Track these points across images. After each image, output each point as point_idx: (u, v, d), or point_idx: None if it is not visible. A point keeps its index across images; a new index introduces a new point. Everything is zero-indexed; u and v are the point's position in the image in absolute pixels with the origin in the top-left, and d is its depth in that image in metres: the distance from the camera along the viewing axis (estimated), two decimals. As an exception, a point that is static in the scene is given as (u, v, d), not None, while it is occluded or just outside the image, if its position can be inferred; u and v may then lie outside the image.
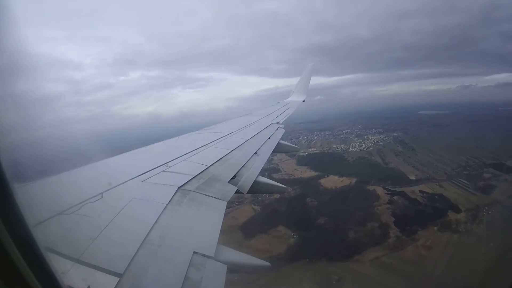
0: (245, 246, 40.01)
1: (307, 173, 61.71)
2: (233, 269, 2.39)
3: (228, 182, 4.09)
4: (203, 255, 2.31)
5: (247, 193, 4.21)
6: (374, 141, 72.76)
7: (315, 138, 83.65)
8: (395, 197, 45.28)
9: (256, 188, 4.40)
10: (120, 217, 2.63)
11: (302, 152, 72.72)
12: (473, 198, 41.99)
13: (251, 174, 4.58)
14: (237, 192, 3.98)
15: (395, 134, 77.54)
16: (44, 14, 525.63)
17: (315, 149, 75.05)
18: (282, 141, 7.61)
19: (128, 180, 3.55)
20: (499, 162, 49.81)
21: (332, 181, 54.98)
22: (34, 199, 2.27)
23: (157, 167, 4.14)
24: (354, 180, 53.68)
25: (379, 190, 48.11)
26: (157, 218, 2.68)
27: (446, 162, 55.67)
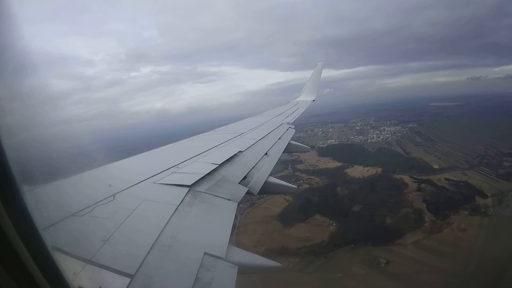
0: (286, 235, 43.11)
1: (330, 163, 65.19)
2: (244, 270, 2.41)
3: (239, 183, 4.14)
4: (214, 256, 2.36)
5: (258, 194, 4.24)
6: (391, 132, 76.36)
7: (331, 130, 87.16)
8: (423, 185, 49.04)
9: (266, 188, 4.47)
10: (131, 218, 2.70)
11: (321, 144, 76.22)
12: (497, 184, 45.79)
13: (261, 175, 4.63)
14: (247, 193, 4.04)
15: (410, 125, 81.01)
16: (57, 9, 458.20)
17: (333, 140, 78.56)
18: (292, 141, 7.69)
19: (140, 182, 3.65)
20: None
21: (357, 171, 58.59)
22: (47, 201, 2.31)
23: (168, 168, 4.23)
24: (379, 169, 57.23)
25: (406, 178, 51.82)
26: (168, 219, 2.76)
27: (465, 152, 59.62)
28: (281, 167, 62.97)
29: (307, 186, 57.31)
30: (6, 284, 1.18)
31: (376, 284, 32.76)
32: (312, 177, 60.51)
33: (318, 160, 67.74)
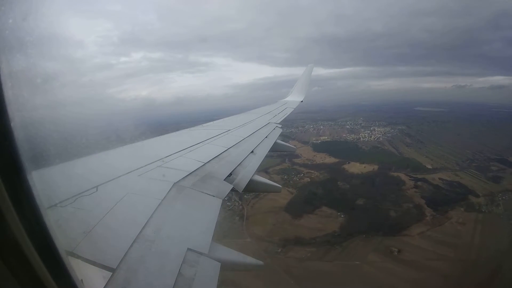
0: (297, 226, 45.23)
1: (327, 159, 68.21)
2: (226, 267, 2.41)
3: (224, 179, 4.13)
4: (197, 252, 2.34)
5: (243, 191, 4.25)
6: (381, 133, 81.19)
7: (322, 127, 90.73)
8: (419, 183, 53.39)
9: (251, 186, 4.49)
10: (114, 211, 2.66)
11: (315, 140, 79.40)
12: (486, 186, 50.82)
13: (247, 173, 4.65)
14: (232, 190, 4.03)
15: (399, 127, 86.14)
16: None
17: (326, 137, 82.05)
18: (279, 141, 7.72)
19: (124, 174, 3.59)
20: (502, 157, 59.29)
21: (355, 167, 62.05)
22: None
23: (153, 162, 4.18)
24: (376, 167, 61.06)
25: (403, 176, 56.19)
26: (152, 214, 2.71)
27: (455, 155, 65.07)
28: (278, 160, 65.03)
29: (309, 179, 59.75)
30: (6, 281, 1.15)
31: (393, 270, 35.88)
32: (311, 171, 62.94)
33: (314, 155, 70.41)
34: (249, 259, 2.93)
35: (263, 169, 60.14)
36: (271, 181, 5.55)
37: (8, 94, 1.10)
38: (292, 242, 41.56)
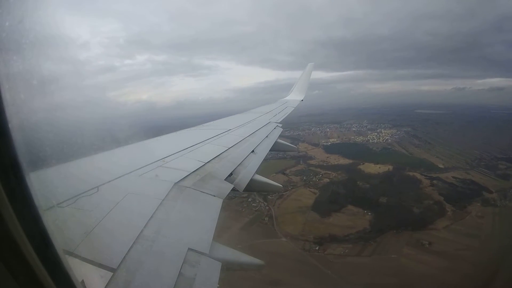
0: (327, 224, 47.93)
1: (341, 160, 70.96)
2: (227, 266, 2.44)
3: (225, 179, 4.15)
4: (197, 252, 2.36)
5: (243, 191, 4.27)
6: (389, 135, 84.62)
7: (328, 130, 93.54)
8: (434, 181, 57.18)
9: (252, 186, 4.50)
10: (115, 211, 2.67)
11: (324, 142, 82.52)
12: (497, 183, 55.09)
13: (248, 172, 4.68)
14: (233, 189, 4.04)
15: (405, 129, 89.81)
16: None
17: (335, 139, 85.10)
18: (280, 140, 7.74)
19: (125, 175, 3.62)
20: (508, 156, 63.56)
21: (370, 168, 65.10)
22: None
23: (154, 162, 4.22)
24: (390, 167, 64.29)
25: (418, 175, 59.83)
26: (153, 214, 2.73)
27: (463, 155, 69.26)
28: (293, 162, 67.59)
29: (328, 180, 62.44)
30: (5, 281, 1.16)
31: (429, 261, 39.14)
32: (328, 171, 65.44)
33: (327, 157, 73.19)
34: (250, 259, 2.94)
35: (279, 171, 62.69)
36: (273, 180, 5.55)
37: (6, 96, 1.13)
38: (327, 239, 44.05)
